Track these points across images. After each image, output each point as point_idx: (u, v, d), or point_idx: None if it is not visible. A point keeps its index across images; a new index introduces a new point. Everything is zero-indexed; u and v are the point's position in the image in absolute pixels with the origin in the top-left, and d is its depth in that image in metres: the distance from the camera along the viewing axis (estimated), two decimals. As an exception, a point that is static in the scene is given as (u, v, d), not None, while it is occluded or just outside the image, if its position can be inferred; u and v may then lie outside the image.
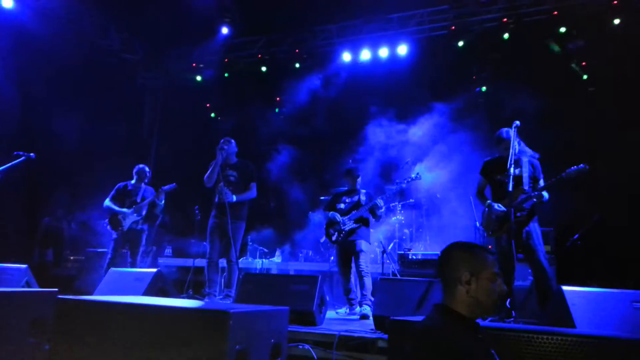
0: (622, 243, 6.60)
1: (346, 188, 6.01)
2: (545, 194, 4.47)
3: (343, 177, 6.03)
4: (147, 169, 6.82)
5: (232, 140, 5.96)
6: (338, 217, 5.72)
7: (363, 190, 5.91)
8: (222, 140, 5.86)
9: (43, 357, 3.19)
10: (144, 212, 6.59)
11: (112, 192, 6.65)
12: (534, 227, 4.49)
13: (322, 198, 8.17)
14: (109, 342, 2.59)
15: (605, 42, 7.51)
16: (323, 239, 5.81)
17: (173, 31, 9.32)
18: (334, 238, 5.70)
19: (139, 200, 6.61)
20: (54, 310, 2.82)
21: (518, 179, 4.47)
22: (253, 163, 6.10)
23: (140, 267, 7.78)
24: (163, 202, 6.63)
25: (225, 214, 5.47)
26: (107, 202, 6.57)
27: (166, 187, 6.57)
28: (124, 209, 6.53)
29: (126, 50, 10.02)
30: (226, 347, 2.32)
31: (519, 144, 4.60)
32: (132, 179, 6.76)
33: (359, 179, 5.93)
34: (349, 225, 5.65)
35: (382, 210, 5.71)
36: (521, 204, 4.43)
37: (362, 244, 5.58)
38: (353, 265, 5.62)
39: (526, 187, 4.48)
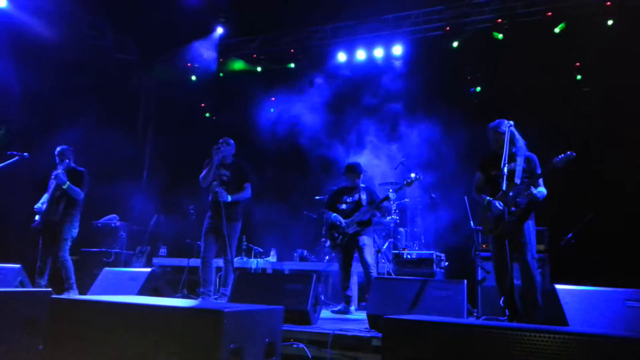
0: (615, 242, 6.64)
1: (347, 184, 5.98)
2: (542, 190, 4.41)
3: (345, 172, 6.00)
4: (67, 151, 6.14)
5: (231, 141, 5.95)
6: (340, 220, 5.75)
7: (363, 185, 5.92)
8: (220, 141, 5.85)
9: (37, 357, 3.18)
10: (60, 203, 5.98)
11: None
12: (528, 225, 4.43)
13: (317, 198, 8.18)
14: (102, 342, 2.59)
15: (599, 42, 7.55)
16: (328, 244, 5.82)
17: (168, 31, 9.29)
18: (338, 241, 5.73)
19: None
20: (47, 310, 2.81)
21: (511, 173, 4.39)
22: (247, 163, 6.10)
23: (135, 266, 7.78)
24: (67, 184, 5.86)
25: (220, 214, 5.47)
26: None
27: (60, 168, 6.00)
28: (41, 201, 6.02)
29: (121, 51, 9.98)
30: (220, 346, 2.32)
31: (518, 141, 4.58)
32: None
33: (360, 175, 5.94)
34: (353, 228, 5.69)
35: (390, 202, 5.77)
36: (514, 198, 4.35)
37: (365, 239, 5.65)
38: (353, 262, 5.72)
39: (518, 181, 4.40)
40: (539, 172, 4.48)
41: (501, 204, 4.35)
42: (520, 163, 4.48)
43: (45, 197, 6.09)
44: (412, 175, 5.84)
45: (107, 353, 2.56)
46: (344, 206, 5.84)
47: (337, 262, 5.90)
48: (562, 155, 4.23)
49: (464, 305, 3.91)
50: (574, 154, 4.19)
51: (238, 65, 9.96)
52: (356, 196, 5.82)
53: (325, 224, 5.94)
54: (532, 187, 4.34)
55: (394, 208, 7.43)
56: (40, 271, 5.92)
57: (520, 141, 4.61)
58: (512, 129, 4.46)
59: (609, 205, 6.71)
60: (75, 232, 6.10)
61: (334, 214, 5.82)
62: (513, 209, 4.37)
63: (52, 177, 6.02)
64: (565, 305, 3.73)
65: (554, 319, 3.71)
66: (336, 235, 5.76)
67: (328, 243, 5.86)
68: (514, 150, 4.52)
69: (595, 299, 3.77)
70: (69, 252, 6.03)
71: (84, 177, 6.13)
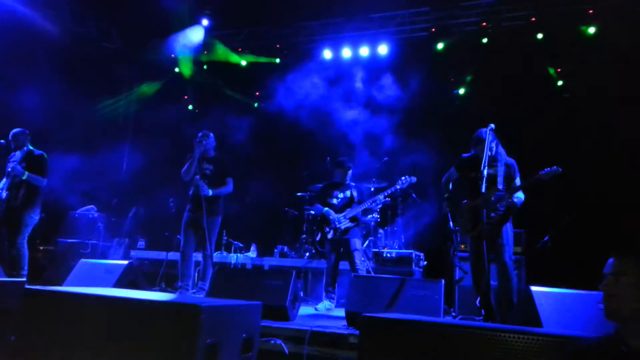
0: (590, 245, 6.75)
1: (336, 180, 6.00)
2: (520, 195, 4.49)
3: (334, 168, 6.02)
4: (21, 134, 5.87)
5: (211, 134, 5.90)
6: (333, 214, 5.75)
7: (352, 184, 5.95)
8: (200, 134, 5.81)
9: (8, 348, 3.12)
10: (20, 189, 5.72)
11: None
12: (507, 228, 4.50)
13: (298, 194, 8.17)
14: (76, 334, 2.55)
15: (580, 49, 7.67)
16: (318, 237, 5.82)
17: (152, 21, 9.18)
18: (329, 236, 5.74)
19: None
20: (21, 300, 2.76)
21: (492, 178, 4.44)
22: (230, 158, 6.07)
23: (112, 258, 7.68)
24: (26, 175, 5.65)
25: (200, 208, 5.43)
26: None
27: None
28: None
29: (104, 39, 9.82)
30: (197, 341, 2.31)
31: (497, 147, 4.63)
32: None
33: (350, 172, 5.94)
34: (345, 223, 5.70)
35: (377, 207, 5.80)
36: (495, 203, 4.41)
37: (357, 243, 5.67)
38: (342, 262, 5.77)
39: (500, 187, 4.46)
40: (518, 178, 4.57)
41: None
42: (500, 168, 4.53)
43: (3, 181, 5.88)
44: (404, 177, 5.75)
45: (81, 345, 2.52)
46: (334, 201, 5.87)
47: (326, 257, 5.89)
48: (548, 169, 4.29)
49: (441, 305, 3.96)
50: (560, 169, 4.24)
51: (220, 52, 9.82)
52: (347, 192, 5.86)
53: (316, 217, 5.95)
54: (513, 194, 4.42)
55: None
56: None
57: (501, 147, 4.67)
58: (493, 137, 4.51)
59: (586, 208, 6.82)
60: (36, 218, 5.89)
61: (326, 208, 5.82)
62: (492, 214, 4.44)
63: (10, 162, 5.78)
64: (540, 307, 3.79)
65: (528, 320, 3.77)
66: (327, 229, 5.77)
67: (318, 236, 5.84)
68: (494, 155, 4.55)
69: (569, 301, 3.84)
70: (27, 239, 5.83)
71: (44, 162, 5.90)
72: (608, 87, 6.98)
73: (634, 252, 2.00)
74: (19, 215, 5.74)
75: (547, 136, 7.24)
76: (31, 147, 5.94)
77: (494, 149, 4.53)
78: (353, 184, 5.99)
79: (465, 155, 4.84)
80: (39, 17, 8.29)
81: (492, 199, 4.40)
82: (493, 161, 4.53)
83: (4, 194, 5.78)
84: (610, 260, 2.06)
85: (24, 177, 5.71)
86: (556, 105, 7.77)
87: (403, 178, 5.75)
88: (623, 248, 2.04)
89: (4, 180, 5.89)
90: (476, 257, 4.47)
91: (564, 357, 2.10)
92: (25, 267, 5.76)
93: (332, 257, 5.79)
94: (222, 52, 9.85)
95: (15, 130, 5.97)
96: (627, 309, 1.94)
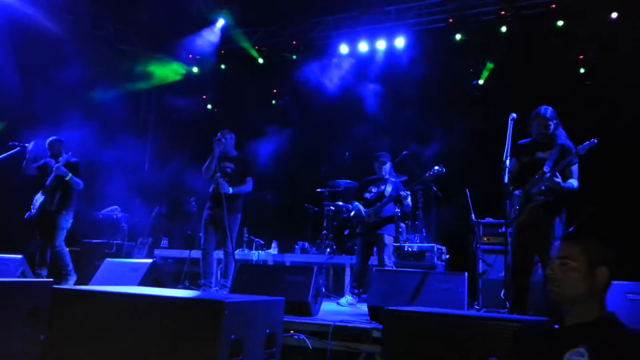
0: (616, 235, 6.62)
1: (375, 176, 6.00)
2: (572, 181, 4.29)
3: (373, 162, 6.03)
4: (57, 142, 6.12)
5: (231, 133, 5.98)
6: (362, 209, 5.74)
7: (392, 179, 5.90)
8: (219, 133, 5.87)
9: (38, 347, 3.20)
10: (56, 193, 5.97)
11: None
12: (557, 221, 4.24)
13: (318, 190, 8.17)
14: (103, 332, 2.60)
15: (601, 36, 7.50)
16: (358, 230, 5.79)
17: (169, 22, 9.26)
18: (357, 230, 5.76)
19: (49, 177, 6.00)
20: (49, 300, 2.82)
21: (541, 162, 4.32)
22: (251, 157, 6.11)
23: (136, 257, 7.79)
24: (69, 176, 5.92)
25: (220, 206, 5.49)
26: None
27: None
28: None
29: (122, 41, 9.94)
30: (221, 337, 2.33)
31: (557, 128, 4.46)
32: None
33: (386, 166, 5.88)
34: (373, 217, 5.67)
35: (409, 199, 5.62)
36: (540, 186, 4.25)
37: (386, 238, 5.63)
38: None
39: (547, 169, 4.28)
40: (566, 161, 4.33)
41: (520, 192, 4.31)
42: (554, 151, 4.36)
43: (40, 199, 6.09)
44: (436, 167, 5.57)
45: (108, 343, 2.57)
46: (367, 195, 5.87)
47: (356, 253, 5.88)
48: (587, 142, 4.14)
49: (465, 298, 3.92)
50: (595, 140, 4.11)
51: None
52: (382, 187, 5.81)
53: (353, 211, 5.96)
54: (558, 175, 4.21)
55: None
56: (40, 262, 5.95)
57: (561, 129, 4.51)
58: (553, 115, 4.43)
59: (610, 198, 6.69)
60: (70, 222, 6.10)
61: (357, 203, 5.86)
62: (537, 198, 4.27)
63: (54, 169, 5.98)
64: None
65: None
66: (355, 223, 5.80)
67: (359, 230, 5.82)
68: (551, 136, 4.42)
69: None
70: (64, 241, 6.05)
71: (80, 167, 6.16)
72: (631, 73, 6.81)
73: (580, 238, 2.00)
74: (54, 218, 5.95)
75: (569, 125, 7.09)
76: (66, 155, 6.12)
77: (552, 127, 4.40)
78: (393, 179, 5.93)
79: (522, 141, 4.60)
80: (58, 22, 8.42)
81: (538, 183, 4.24)
82: (548, 143, 4.41)
83: (40, 199, 5.97)
84: (556, 243, 2.03)
85: (67, 178, 5.94)
86: (579, 93, 7.62)
87: (435, 168, 5.58)
88: (571, 234, 2.00)
89: (40, 195, 6.03)
90: (512, 248, 4.32)
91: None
92: (70, 264, 5.99)
93: (360, 254, 5.77)
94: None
95: (51, 138, 6.19)
96: (570, 294, 1.93)
